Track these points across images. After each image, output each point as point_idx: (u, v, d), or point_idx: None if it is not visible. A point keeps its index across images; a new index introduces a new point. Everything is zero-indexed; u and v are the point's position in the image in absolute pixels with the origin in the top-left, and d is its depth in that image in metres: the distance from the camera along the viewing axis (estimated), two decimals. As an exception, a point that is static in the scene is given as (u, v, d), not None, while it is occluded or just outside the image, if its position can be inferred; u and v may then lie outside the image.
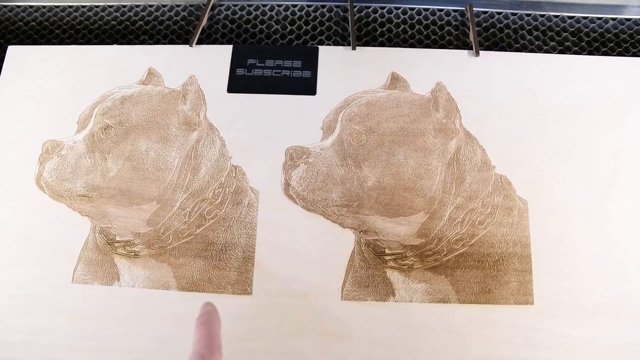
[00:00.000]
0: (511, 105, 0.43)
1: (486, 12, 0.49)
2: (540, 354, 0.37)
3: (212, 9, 0.50)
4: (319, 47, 0.46)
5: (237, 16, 0.50)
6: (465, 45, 0.47)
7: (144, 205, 0.41)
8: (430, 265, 0.39)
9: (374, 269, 0.39)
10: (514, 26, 0.48)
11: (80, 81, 0.45)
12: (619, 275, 0.39)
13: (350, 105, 0.42)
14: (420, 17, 0.49)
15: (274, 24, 0.49)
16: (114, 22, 0.50)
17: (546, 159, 0.41)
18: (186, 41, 0.49)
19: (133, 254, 0.40)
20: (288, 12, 0.49)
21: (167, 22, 0.50)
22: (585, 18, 0.48)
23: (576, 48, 0.47)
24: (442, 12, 0.49)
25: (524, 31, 0.48)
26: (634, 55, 0.46)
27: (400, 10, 0.49)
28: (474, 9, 0.48)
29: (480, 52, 0.45)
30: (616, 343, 0.37)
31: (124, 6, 0.51)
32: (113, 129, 0.42)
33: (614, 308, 0.38)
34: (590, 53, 0.47)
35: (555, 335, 0.37)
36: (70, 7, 0.51)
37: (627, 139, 0.42)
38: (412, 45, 0.48)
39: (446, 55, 0.45)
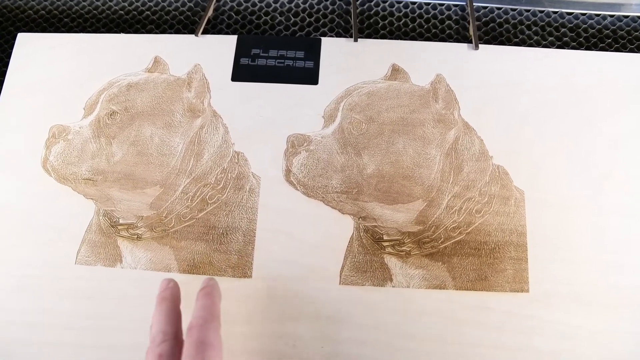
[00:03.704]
0: (509, 97, 0.43)
1: (486, 7, 0.49)
2: (535, 341, 0.38)
3: (218, 0, 0.51)
4: (322, 38, 0.46)
5: (242, 7, 0.51)
6: (465, 39, 0.48)
7: (148, 189, 0.42)
8: (428, 252, 0.40)
9: (372, 254, 0.40)
10: (513, 21, 0.49)
11: (87, 68, 0.46)
12: (613, 267, 0.39)
13: (352, 95, 0.43)
14: (421, 10, 0.50)
15: (278, 15, 0.50)
16: (122, 12, 0.51)
17: (543, 151, 0.42)
18: (192, 31, 0.50)
19: (136, 236, 0.41)
20: (292, 4, 0.50)
21: (173, 12, 0.51)
22: (583, 14, 0.49)
23: (574, 43, 0.48)
24: (443, 7, 0.50)
25: (523, 26, 0.49)
26: (631, 51, 0.47)
27: (401, 4, 0.50)
28: (474, 3, 0.49)
29: (480, 45, 0.45)
30: (609, 331, 0.38)
31: (132, -4, 0.52)
32: (119, 114, 0.43)
33: (607, 298, 0.38)
34: (588, 48, 0.47)
35: (549, 323, 0.38)
36: (79, -4, 0.52)
37: (624, 132, 0.42)
38: (412, 38, 0.48)
39: (446, 48, 0.46)
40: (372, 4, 0.50)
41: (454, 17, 0.49)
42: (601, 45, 0.48)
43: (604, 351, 0.37)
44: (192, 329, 0.30)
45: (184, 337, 0.30)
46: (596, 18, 0.49)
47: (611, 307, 0.38)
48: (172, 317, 0.31)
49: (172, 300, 0.33)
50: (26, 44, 0.48)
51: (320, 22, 0.50)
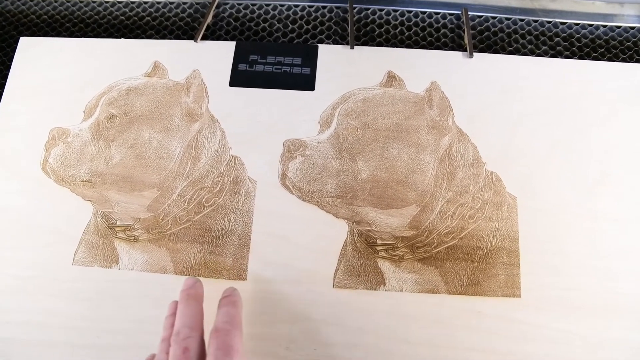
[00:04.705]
0: (503, 105, 0.44)
1: (481, 16, 0.50)
2: (526, 345, 0.38)
3: (217, 6, 0.52)
4: (319, 45, 0.47)
5: (241, 14, 0.52)
6: (460, 47, 0.49)
7: (145, 192, 0.42)
8: (421, 256, 0.40)
9: (365, 258, 0.41)
10: (507, 30, 0.50)
11: (88, 72, 0.47)
12: (603, 272, 0.39)
13: (347, 101, 0.44)
14: (417, 19, 0.51)
15: (276, 22, 0.51)
16: (123, 17, 0.52)
17: (536, 158, 0.42)
18: (191, 37, 0.51)
19: (133, 238, 0.42)
20: (290, 12, 0.51)
21: (173, 18, 0.52)
22: (577, 24, 0.49)
23: (567, 52, 0.49)
24: (439, 15, 0.50)
25: (517, 35, 0.49)
26: (623, 60, 0.48)
27: (398, 13, 0.51)
28: (469, 13, 0.50)
29: (474, 54, 0.46)
30: (600, 337, 0.38)
31: (133, 2, 0.53)
32: (118, 118, 0.43)
33: (598, 303, 0.39)
34: (581, 58, 0.48)
35: (540, 328, 0.38)
36: (81, 1, 0.53)
37: (616, 140, 0.43)
38: (408, 46, 0.49)
39: (441, 56, 0.46)
40: (369, 12, 0.51)
41: (449, 26, 0.50)
42: (594, 54, 0.48)
43: (594, 357, 0.38)
44: (218, 332, 0.31)
45: (208, 338, 0.31)
46: (589, 28, 0.49)
47: (603, 312, 0.39)
48: (198, 315, 0.33)
49: (198, 299, 0.34)
50: (28, 47, 0.49)
51: (318, 30, 0.50)
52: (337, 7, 0.51)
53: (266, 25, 0.51)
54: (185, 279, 0.36)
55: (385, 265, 0.40)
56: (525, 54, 0.48)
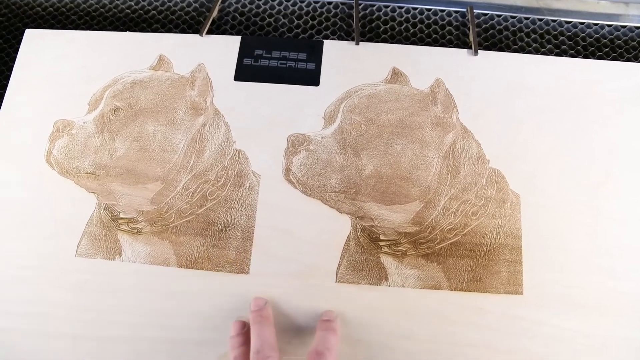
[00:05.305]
0: (507, 102, 0.44)
1: (486, 14, 0.50)
2: (528, 343, 0.38)
3: (223, 1, 0.52)
4: (324, 40, 0.47)
5: (246, 9, 0.52)
6: (465, 45, 0.49)
7: (149, 185, 0.42)
8: (423, 252, 0.40)
9: (368, 253, 0.41)
10: (512, 28, 0.50)
11: (93, 65, 0.47)
12: (606, 271, 0.40)
13: (352, 97, 0.44)
14: (423, 16, 0.51)
15: (281, 17, 0.51)
16: (128, 11, 0.52)
17: (539, 156, 0.43)
18: (197, 31, 0.51)
19: (136, 230, 0.42)
20: (295, 7, 0.51)
21: (179, 12, 0.52)
22: (582, 23, 0.50)
23: (572, 51, 0.49)
24: (444, 13, 0.51)
25: (522, 33, 0.49)
26: (628, 60, 0.48)
27: (403, 9, 0.51)
28: (474, 10, 0.50)
29: (479, 51, 0.46)
30: (602, 336, 0.38)
31: (139, -4, 0.53)
32: (122, 111, 0.43)
33: (601, 301, 0.39)
34: (585, 57, 0.48)
35: (542, 326, 0.38)
36: (86, -6, 0.53)
37: (619, 139, 0.43)
38: (413, 43, 0.49)
39: (446, 53, 0.46)
40: (374, 8, 0.51)
41: (455, 23, 0.50)
42: (598, 54, 0.48)
43: (596, 355, 0.38)
44: (319, 355, 0.34)
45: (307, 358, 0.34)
46: (594, 27, 0.49)
47: (605, 311, 0.39)
48: (274, 336, 0.35)
49: (270, 320, 0.36)
50: (34, 39, 0.49)
51: (323, 25, 0.51)
52: (342, 3, 0.51)
53: (272, 20, 0.51)
54: (253, 299, 0.38)
55: (387, 261, 0.40)
56: (529, 52, 0.48)
